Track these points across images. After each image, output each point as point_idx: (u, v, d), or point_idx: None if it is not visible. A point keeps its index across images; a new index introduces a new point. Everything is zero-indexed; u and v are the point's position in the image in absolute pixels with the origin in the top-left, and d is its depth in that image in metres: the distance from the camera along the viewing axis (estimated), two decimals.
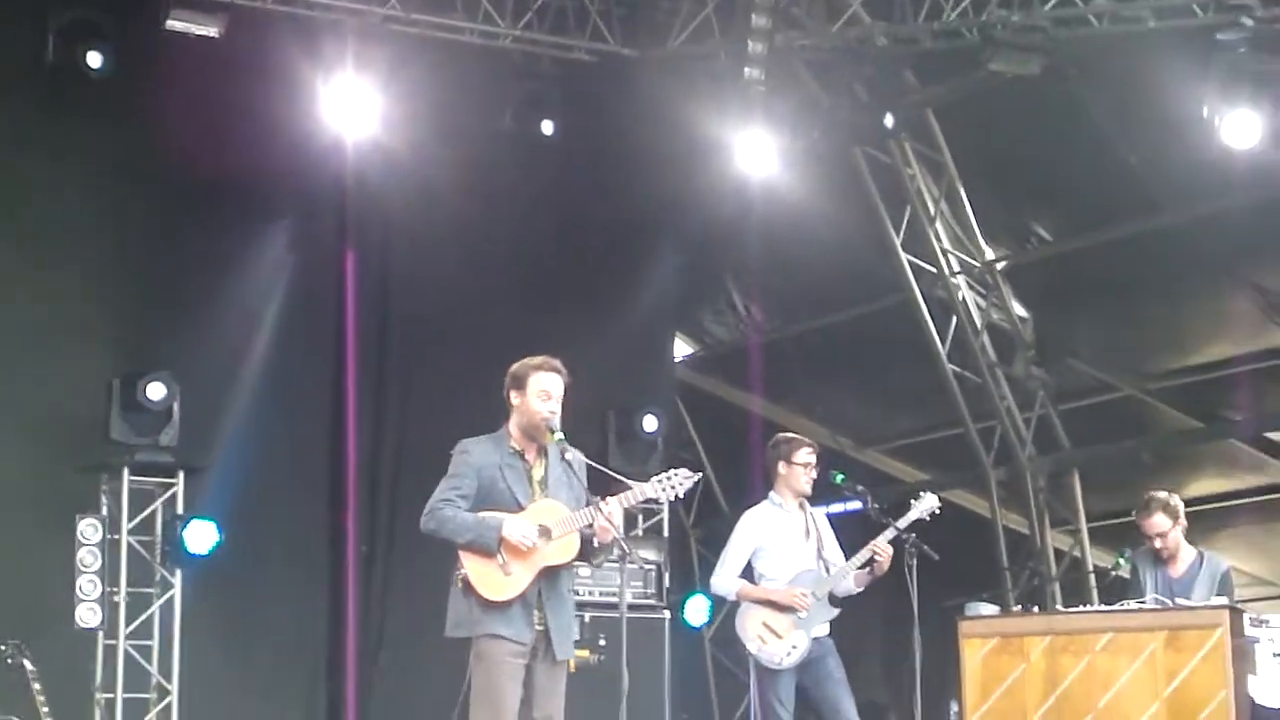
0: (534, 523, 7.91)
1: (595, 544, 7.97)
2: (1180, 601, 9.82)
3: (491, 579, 7.92)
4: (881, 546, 9.64)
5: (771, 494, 10.02)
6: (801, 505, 10.00)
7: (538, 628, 7.98)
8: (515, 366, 8.15)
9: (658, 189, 14.84)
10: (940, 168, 15.23)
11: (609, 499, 7.93)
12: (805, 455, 9.93)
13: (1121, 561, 10.39)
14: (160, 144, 12.54)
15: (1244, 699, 9.51)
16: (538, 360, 8.12)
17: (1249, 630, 9.64)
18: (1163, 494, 10.22)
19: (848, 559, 9.85)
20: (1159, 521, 10.07)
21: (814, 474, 9.96)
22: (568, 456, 8.03)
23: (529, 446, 8.12)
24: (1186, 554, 10.15)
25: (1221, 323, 14.62)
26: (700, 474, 8.27)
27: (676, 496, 8.14)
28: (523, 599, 7.94)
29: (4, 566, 11.95)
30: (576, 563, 8.17)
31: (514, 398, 8.11)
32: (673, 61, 14.03)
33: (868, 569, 9.79)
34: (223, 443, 12.96)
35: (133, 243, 12.84)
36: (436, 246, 13.87)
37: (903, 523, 9.71)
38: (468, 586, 7.98)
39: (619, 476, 8.17)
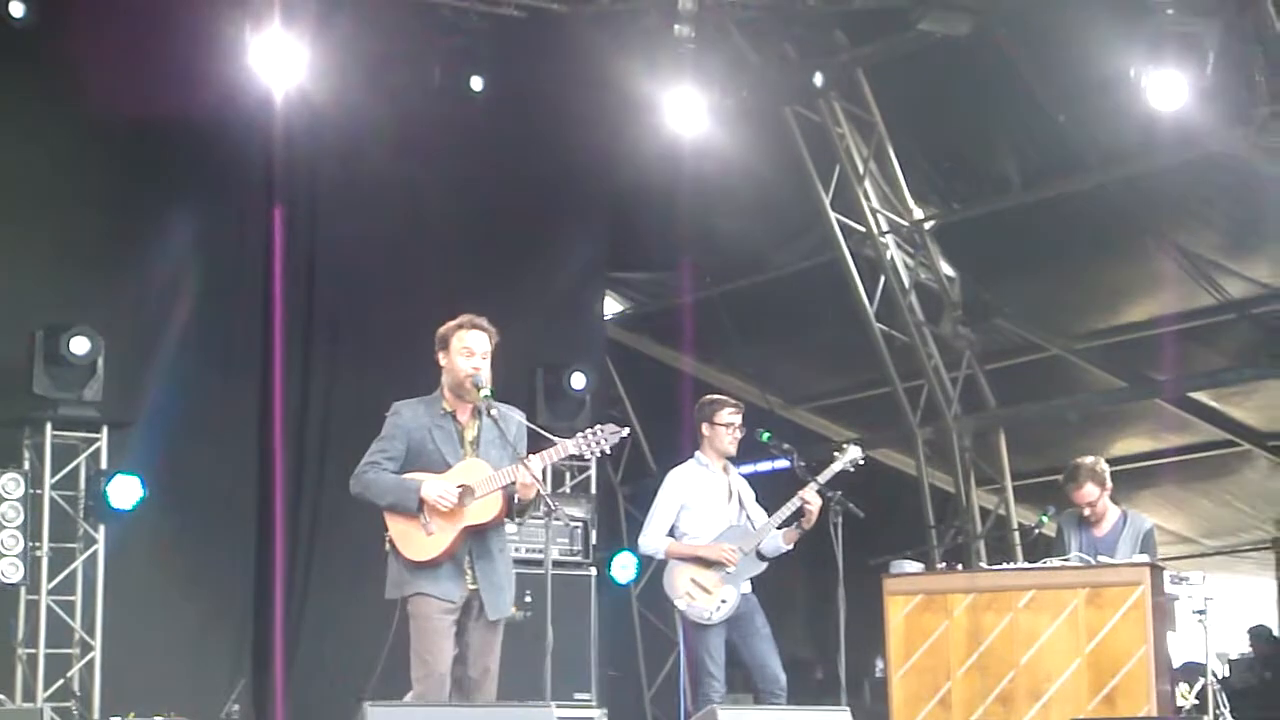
0: (455, 482, 7.92)
1: (518, 500, 7.98)
2: (1103, 559, 9.91)
3: (414, 540, 7.95)
4: (809, 496, 9.68)
5: (697, 454, 10.07)
6: (725, 468, 10.05)
7: (470, 587, 8.00)
8: (441, 329, 8.16)
9: (587, 146, 14.81)
10: (869, 127, 15.25)
11: (531, 456, 7.95)
12: (728, 416, 9.98)
13: (1045, 520, 10.48)
14: (85, 95, 12.41)
15: (1164, 656, 9.62)
16: (461, 319, 8.16)
17: (1169, 588, 9.74)
18: (1089, 460, 10.28)
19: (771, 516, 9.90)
20: (1089, 491, 10.16)
21: (738, 435, 10.00)
22: (493, 413, 8.03)
23: (461, 407, 8.13)
24: (1111, 514, 10.24)
25: (1147, 283, 14.73)
26: (627, 429, 8.27)
27: (603, 452, 8.14)
28: (452, 558, 7.96)
29: None
30: (508, 519, 8.19)
31: (441, 358, 8.17)
32: (603, 18, 13.98)
33: (795, 525, 9.83)
34: (147, 398, 12.86)
35: (56, 194, 12.69)
36: (364, 201, 13.80)
37: (824, 476, 9.75)
38: (394, 547, 8.02)
39: (544, 433, 8.16)
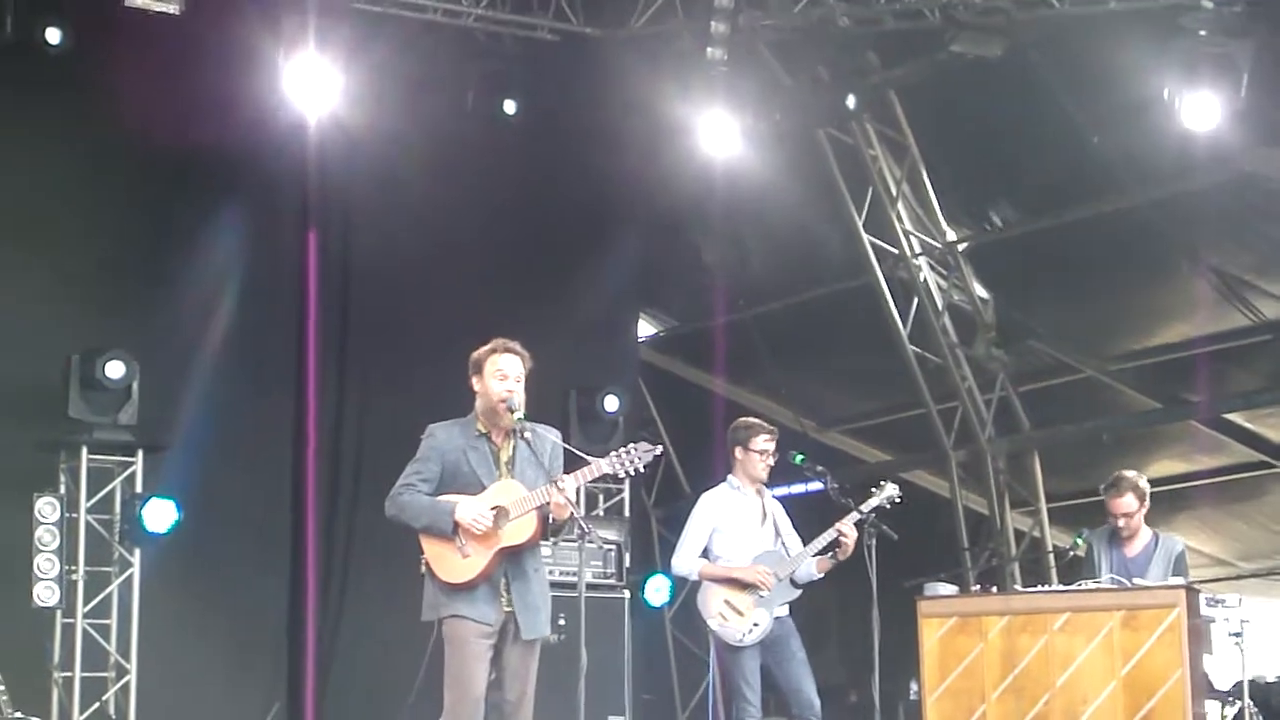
0: (489, 504, 7.93)
1: (552, 520, 7.99)
2: (1138, 581, 9.87)
3: (450, 562, 7.96)
4: (846, 529, 9.67)
5: (730, 477, 10.06)
6: (759, 490, 10.04)
7: (505, 609, 8.00)
8: (475, 353, 8.19)
9: (620, 169, 14.82)
10: (902, 149, 15.24)
11: (565, 475, 7.96)
12: (763, 443, 9.95)
13: (1079, 542, 10.44)
14: (120, 121, 12.48)
15: (1200, 678, 9.58)
16: (494, 343, 8.19)
17: (1205, 610, 9.72)
18: (1132, 474, 10.27)
19: (805, 544, 9.89)
20: (1128, 502, 10.11)
21: (771, 461, 9.98)
22: (526, 435, 8.03)
23: (495, 429, 8.14)
24: (1143, 534, 10.21)
25: (1181, 304, 14.68)
26: (660, 447, 8.27)
27: (636, 470, 8.14)
28: (488, 580, 7.96)
29: None
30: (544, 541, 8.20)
31: (475, 383, 8.18)
32: (636, 41, 14.02)
33: (830, 554, 9.82)
34: (183, 421, 12.90)
35: (93, 220, 12.76)
36: (398, 225, 13.83)
37: (864, 508, 9.73)
38: (429, 570, 8.03)
39: (578, 452, 8.17)
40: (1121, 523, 10.16)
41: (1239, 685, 10.02)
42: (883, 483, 10.04)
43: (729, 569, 9.81)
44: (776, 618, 9.80)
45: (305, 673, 13.19)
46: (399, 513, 8.08)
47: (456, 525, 7.91)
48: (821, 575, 9.92)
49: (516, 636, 8.03)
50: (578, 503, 8.04)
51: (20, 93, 12.41)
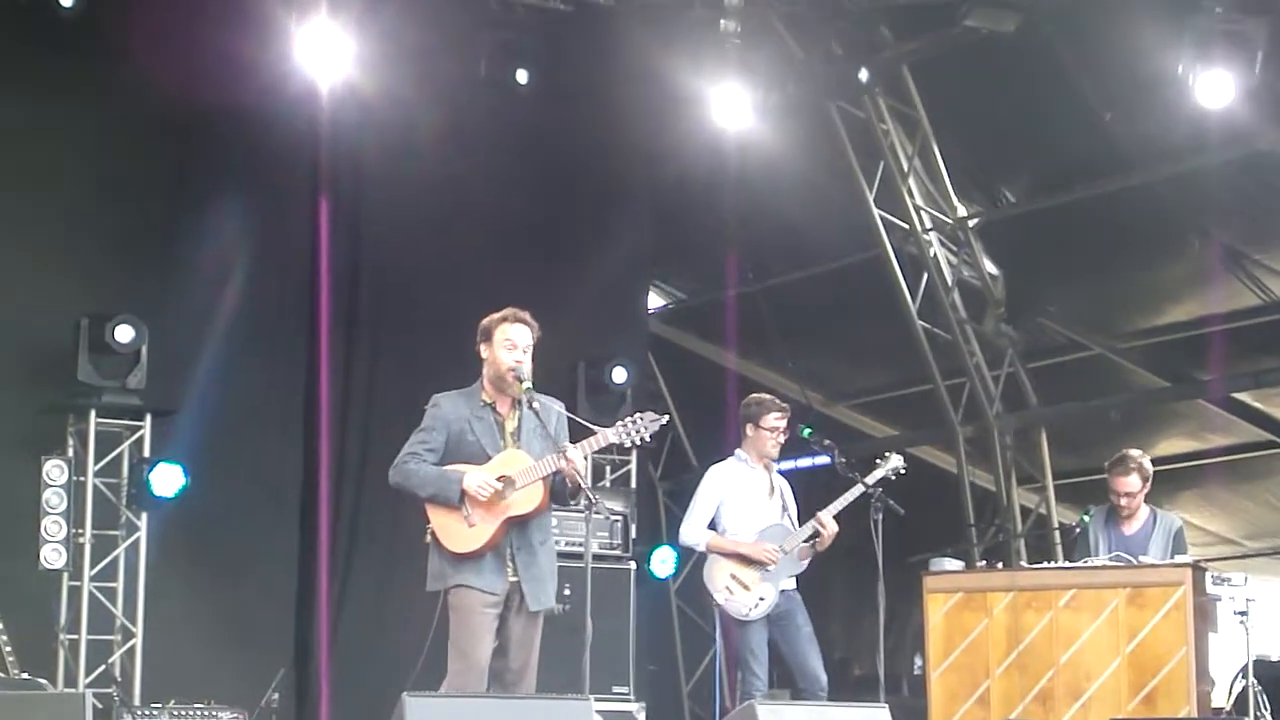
0: (495, 473, 7.94)
1: (567, 483, 7.98)
2: (1143, 559, 9.88)
3: (456, 531, 7.97)
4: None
5: (738, 450, 10.07)
6: (766, 466, 10.05)
7: (511, 579, 8.01)
8: (484, 320, 8.18)
9: (632, 141, 14.80)
10: (914, 124, 15.21)
11: (571, 445, 7.96)
12: (774, 420, 9.96)
13: (1086, 519, 10.45)
14: (132, 84, 12.46)
15: (1204, 656, 9.59)
16: (504, 312, 8.20)
17: (1210, 589, 9.72)
18: (1137, 453, 10.28)
19: (801, 524, 9.91)
20: (1132, 481, 10.12)
21: (782, 439, 10.00)
22: (534, 405, 8.04)
23: (501, 399, 8.15)
24: (1141, 512, 10.23)
25: (1191, 283, 14.66)
26: (666, 417, 8.28)
27: (643, 440, 8.15)
28: (494, 550, 7.98)
29: None
30: (557, 504, 8.21)
31: (483, 350, 8.19)
32: (649, 12, 13.97)
33: (810, 543, 9.84)
34: (191, 387, 12.89)
35: (103, 183, 12.75)
36: (410, 193, 13.81)
37: (869, 479, 9.75)
38: (435, 540, 8.04)
39: (585, 422, 8.18)
40: (1124, 501, 10.17)
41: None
42: (887, 454, 10.06)
43: (735, 543, 9.83)
44: (783, 591, 9.82)
45: (314, 639, 13.22)
46: (404, 481, 8.09)
47: (463, 494, 7.92)
48: (805, 564, 9.93)
49: (521, 606, 8.05)
50: (585, 473, 8.03)
51: (32, 54, 12.39)
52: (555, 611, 8.38)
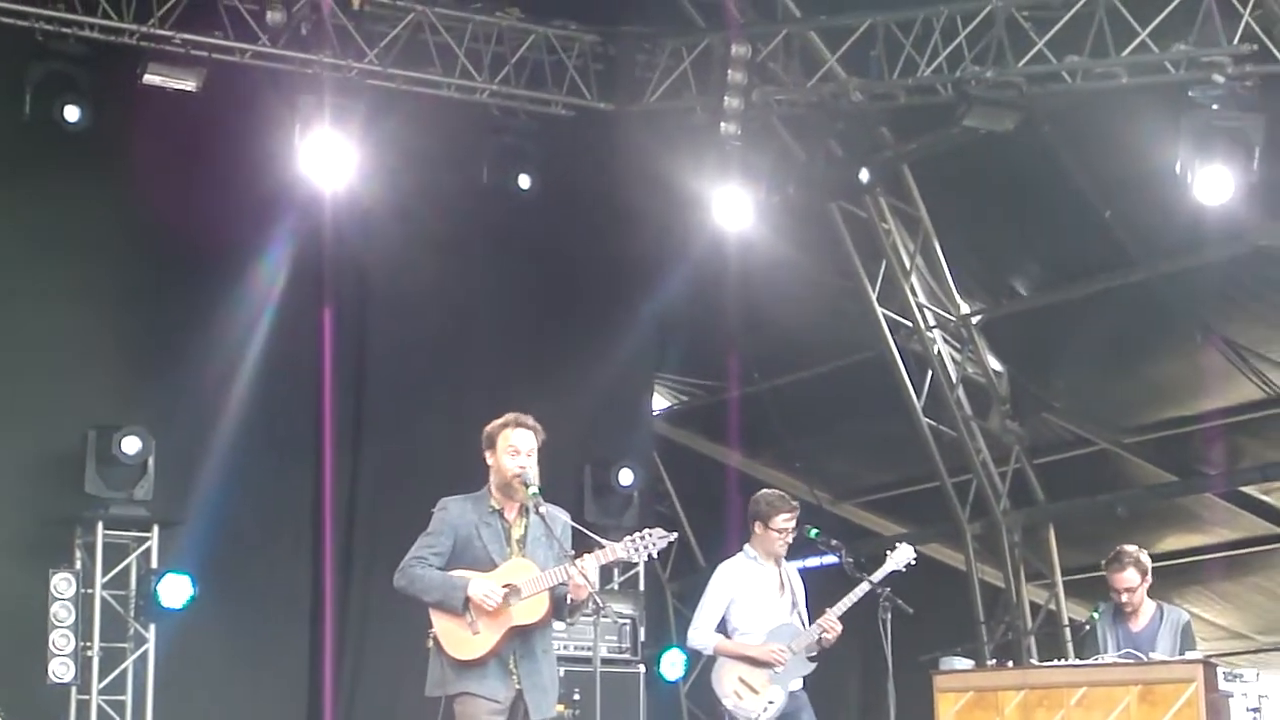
0: (502, 582, 7.92)
1: (570, 601, 7.97)
2: (1154, 656, 9.84)
3: (459, 638, 7.94)
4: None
5: (747, 547, 10.03)
6: (777, 560, 10.02)
7: (515, 687, 7.98)
8: (488, 427, 8.19)
9: (635, 243, 14.87)
10: (915, 222, 15.28)
11: (584, 557, 7.94)
12: (783, 521, 9.92)
13: (1095, 616, 10.41)
14: (138, 197, 12.57)
15: None
16: (507, 418, 8.18)
17: (1223, 685, 9.64)
18: (1133, 548, 10.26)
19: (812, 620, 9.88)
20: (1130, 577, 10.10)
21: (790, 539, 9.96)
22: (540, 510, 8.03)
23: (508, 505, 8.14)
24: (1147, 607, 10.20)
25: (1195, 377, 14.65)
26: (675, 534, 8.26)
27: (650, 556, 8.15)
28: (497, 658, 7.94)
29: None
30: (557, 620, 8.20)
31: (488, 457, 8.17)
32: (649, 116, 14.07)
33: (817, 639, 9.82)
34: (198, 497, 12.93)
35: (109, 296, 12.84)
36: (413, 300, 13.88)
37: (877, 576, 9.72)
38: (438, 645, 8.01)
39: (592, 534, 8.17)
40: (1125, 598, 10.14)
41: None
42: (896, 544, 10.04)
43: (744, 647, 9.79)
44: (791, 693, 9.78)
45: None
46: (409, 585, 8.06)
47: (468, 601, 7.90)
48: (813, 667, 9.90)
49: (526, 717, 8.01)
50: (595, 585, 8.00)
51: (39, 170, 12.51)
52: (566, 717, 8.36)
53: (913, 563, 9.90)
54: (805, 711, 9.84)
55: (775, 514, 9.92)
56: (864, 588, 9.70)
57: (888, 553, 9.90)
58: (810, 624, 9.88)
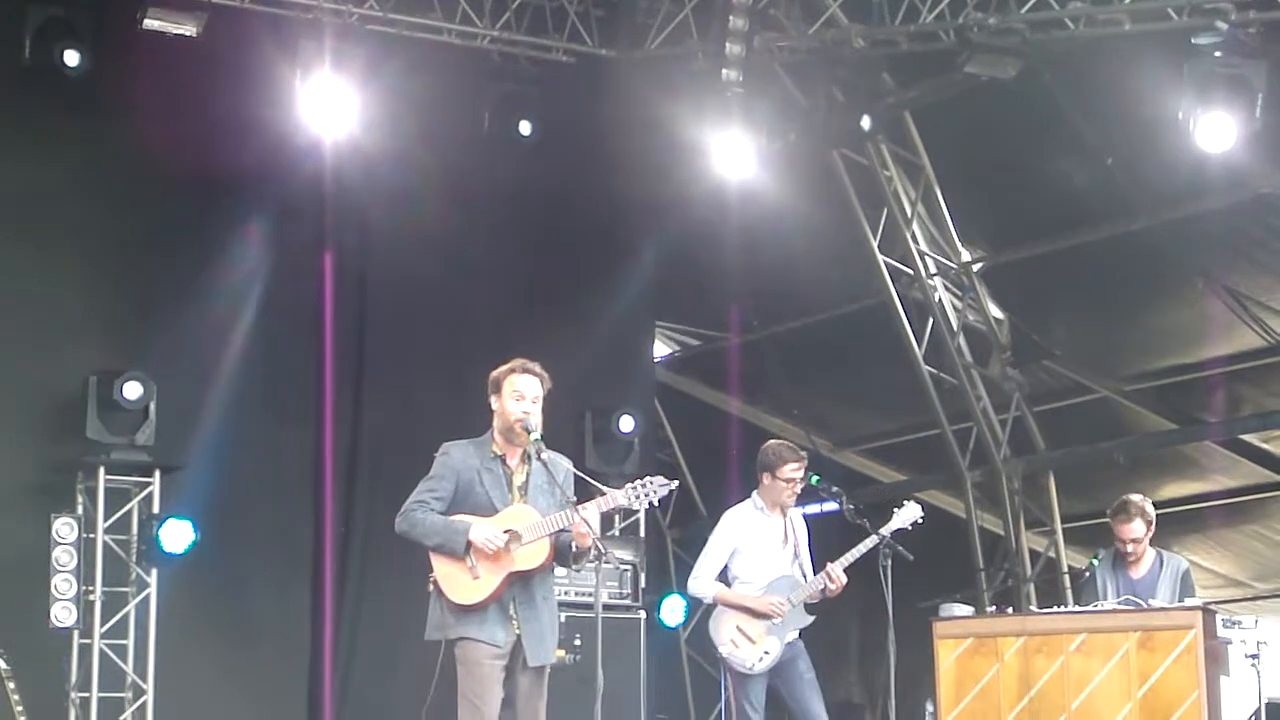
0: (503, 527, 7.94)
1: (574, 548, 7.99)
2: (1153, 603, 9.87)
3: (460, 582, 7.97)
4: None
5: (754, 495, 10.04)
6: (782, 511, 10.03)
7: (515, 632, 8.01)
8: (493, 372, 8.20)
9: (635, 190, 14.83)
10: (917, 170, 15.25)
11: (585, 504, 7.96)
12: (791, 471, 9.93)
13: (1095, 563, 10.44)
14: (137, 143, 12.53)
15: (1216, 700, 9.57)
16: (513, 363, 8.20)
17: (1221, 632, 9.70)
18: (1138, 498, 10.28)
19: (816, 570, 9.90)
20: (1136, 527, 10.12)
21: (798, 489, 9.97)
22: (543, 457, 8.05)
23: (511, 451, 8.16)
24: (1148, 555, 10.23)
25: (1196, 325, 14.65)
26: (676, 482, 8.27)
27: (651, 504, 8.16)
28: (497, 603, 7.97)
29: None
30: (561, 567, 8.23)
31: (492, 402, 8.20)
32: (651, 63, 14.04)
33: (821, 591, 9.85)
34: (200, 442, 12.94)
35: (110, 241, 12.82)
36: (414, 247, 13.86)
37: (885, 530, 9.73)
38: (438, 589, 8.04)
39: (593, 481, 8.18)
40: (1129, 548, 10.17)
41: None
42: (904, 502, 10.05)
43: (743, 597, 9.83)
44: (787, 643, 9.81)
45: (323, 693, 13.21)
46: (410, 529, 8.08)
47: (469, 545, 7.92)
48: (811, 619, 9.93)
49: (525, 661, 8.05)
50: (596, 532, 8.03)
51: (39, 115, 12.48)
52: (566, 662, 8.40)
53: (920, 520, 9.91)
54: (801, 659, 9.88)
55: (783, 464, 9.93)
56: (871, 540, 9.72)
57: (894, 510, 9.91)
58: (814, 574, 9.90)
